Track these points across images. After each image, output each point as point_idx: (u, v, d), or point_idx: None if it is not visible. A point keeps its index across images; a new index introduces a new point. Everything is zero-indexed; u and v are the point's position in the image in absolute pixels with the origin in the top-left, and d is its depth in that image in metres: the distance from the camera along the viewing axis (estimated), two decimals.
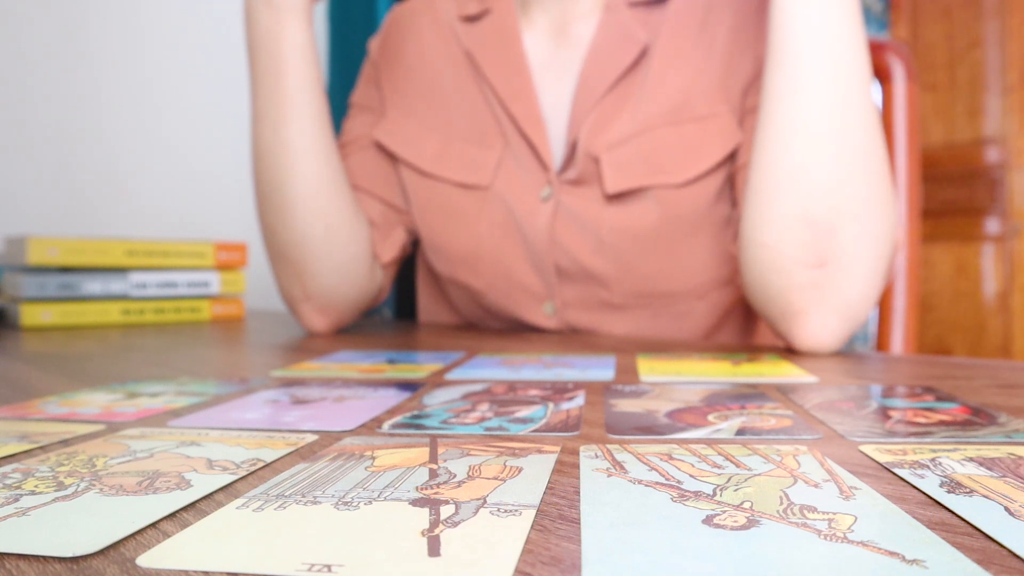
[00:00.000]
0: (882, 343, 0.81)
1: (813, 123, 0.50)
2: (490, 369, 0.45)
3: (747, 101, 0.63)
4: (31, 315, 0.78)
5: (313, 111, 0.64)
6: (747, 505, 0.19)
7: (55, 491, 0.21)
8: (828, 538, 0.17)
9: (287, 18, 0.62)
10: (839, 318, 0.52)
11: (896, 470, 0.23)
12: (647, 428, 0.29)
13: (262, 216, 0.68)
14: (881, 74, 0.82)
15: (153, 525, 0.18)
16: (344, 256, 0.68)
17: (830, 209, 0.50)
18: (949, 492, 0.20)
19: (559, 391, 0.37)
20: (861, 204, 0.51)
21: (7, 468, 0.23)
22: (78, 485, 0.21)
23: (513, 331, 0.71)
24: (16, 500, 0.20)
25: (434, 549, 0.16)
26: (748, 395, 0.36)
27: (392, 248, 0.74)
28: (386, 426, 0.29)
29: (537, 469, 0.23)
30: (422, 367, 0.46)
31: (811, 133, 0.50)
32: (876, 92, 0.83)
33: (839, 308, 0.52)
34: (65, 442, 0.27)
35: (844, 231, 0.51)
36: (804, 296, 0.52)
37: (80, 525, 0.18)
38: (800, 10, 0.51)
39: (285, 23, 0.62)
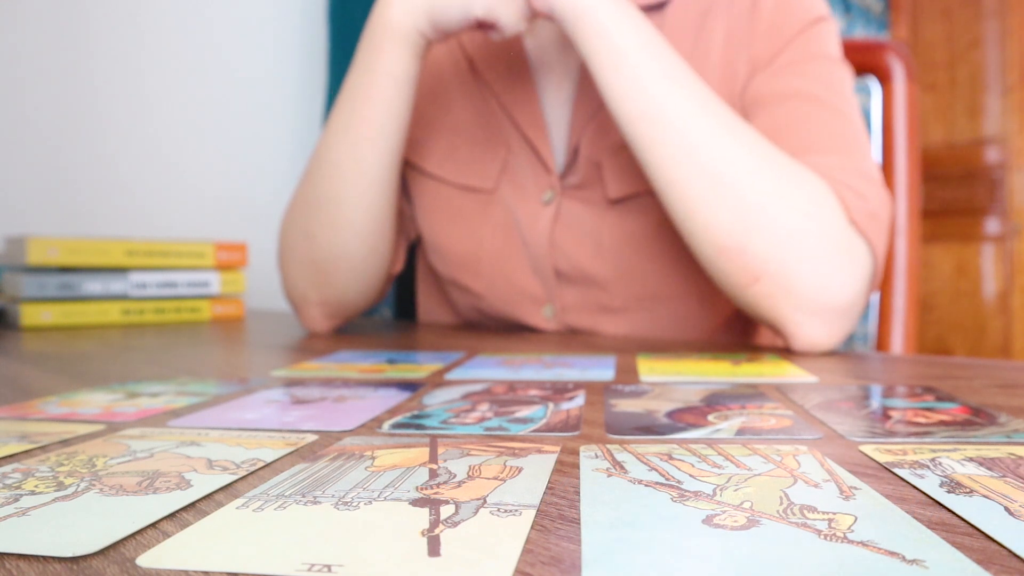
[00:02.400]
0: (882, 343, 0.81)
1: (675, 173, 0.53)
2: (490, 369, 0.45)
3: (744, 99, 0.63)
4: (31, 315, 0.78)
5: (392, 142, 0.62)
6: (747, 505, 0.19)
7: (55, 491, 0.21)
8: (828, 538, 0.17)
9: (393, 45, 0.60)
10: (814, 316, 0.52)
11: (896, 470, 0.23)
12: (647, 428, 0.29)
13: (302, 220, 0.66)
14: (881, 74, 0.82)
15: (153, 525, 0.18)
16: (373, 273, 0.68)
17: (730, 234, 0.52)
18: (949, 492, 0.20)
19: (559, 391, 0.37)
20: (756, 213, 0.51)
21: (7, 468, 0.23)
22: (78, 485, 0.21)
23: (513, 331, 0.71)
24: (16, 500, 0.20)
25: (434, 549, 0.16)
26: (748, 395, 0.36)
27: (401, 259, 0.74)
28: (386, 426, 0.29)
29: (537, 469, 0.23)
30: (422, 367, 0.46)
31: (678, 181, 0.53)
32: (875, 92, 0.83)
33: (807, 307, 0.52)
34: (65, 442, 0.27)
35: (755, 245, 0.51)
36: (765, 307, 0.53)
37: (80, 525, 0.18)
38: (621, 90, 0.54)
39: (390, 49, 0.60)
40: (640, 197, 0.64)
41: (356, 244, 0.65)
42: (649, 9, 0.66)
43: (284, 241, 0.69)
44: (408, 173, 0.74)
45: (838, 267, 0.52)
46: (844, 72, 0.61)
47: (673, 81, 0.53)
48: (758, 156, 0.53)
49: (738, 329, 0.73)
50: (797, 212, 0.51)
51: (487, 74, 0.70)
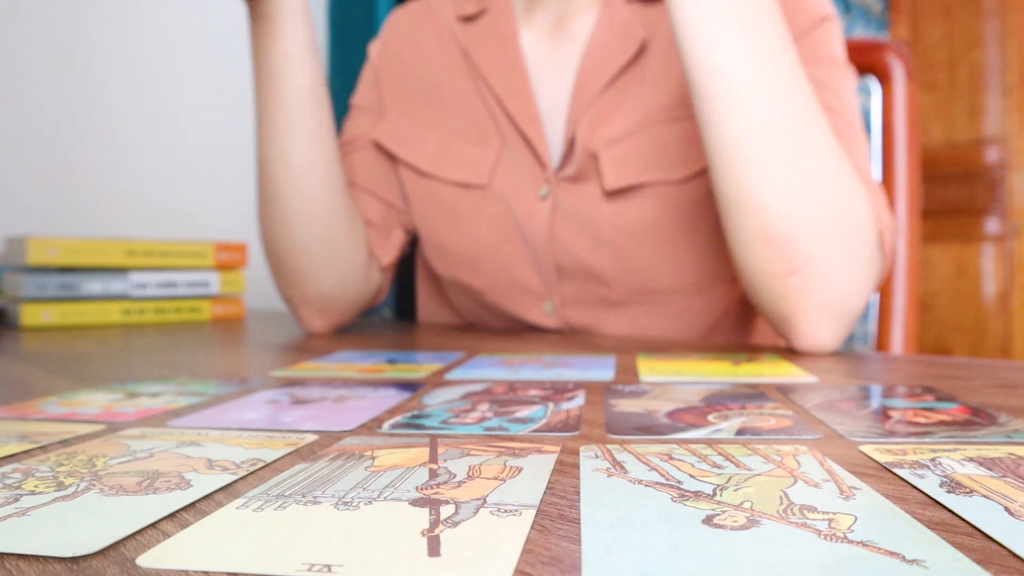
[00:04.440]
0: (882, 343, 0.81)
1: (745, 147, 0.50)
2: (490, 369, 0.45)
3: None
4: (31, 315, 0.78)
5: (310, 122, 0.62)
6: (747, 505, 0.19)
7: (55, 491, 0.21)
8: (828, 538, 0.17)
9: (274, 26, 0.60)
10: (831, 319, 0.52)
11: (896, 470, 0.23)
12: (647, 428, 0.29)
13: (261, 222, 0.67)
14: (881, 74, 0.82)
15: (153, 525, 0.18)
16: (340, 262, 0.68)
17: (784, 221, 0.51)
18: (949, 492, 0.20)
19: (559, 391, 0.37)
20: (817, 207, 0.50)
21: (7, 468, 0.23)
22: (78, 485, 0.21)
23: (513, 331, 0.71)
24: (16, 500, 0.20)
25: (434, 549, 0.16)
26: (748, 395, 0.36)
27: (392, 250, 0.74)
28: (386, 426, 0.29)
29: (537, 469, 0.23)
30: (422, 367, 0.46)
31: (745, 156, 0.50)
32: (875, 92, 0.83)
33: (828, 309, 0.52)
34: (65, 442, 0.27)
35: (805, 238, 0.50)
36: (791, 301, 0.52)
37: (80, 525, 0.18)
38: (701, 40, 0.50)
39: (274, 31, 0.60)
40: (637, 189, 0.64)
41: (305, 234, 0.65)
42: (650, 0, 0.66)
43: (263, 249, 0.70)
44: (403, 173, 0.74)
45: (864, 274, 0.52)
46: (848, 75, 0.61)
47: (760, 63, 0.50)
48: (830, 149, 0.51)
49: (737, 323, 0.73)
50: (849, 215, 0.51)
51: (482, 68, 0.70)
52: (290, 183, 0.63)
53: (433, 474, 0.22)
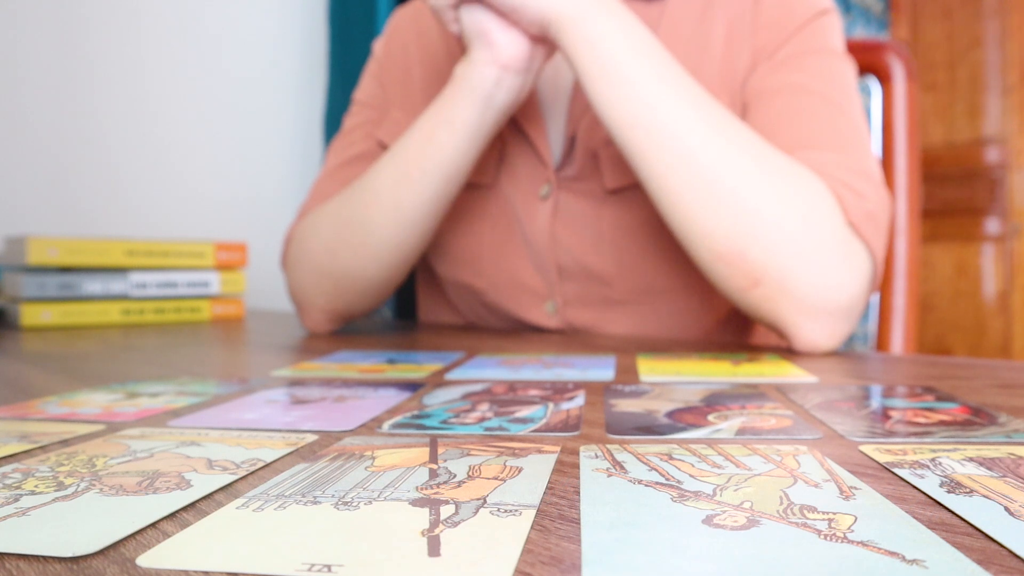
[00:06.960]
0: (882, 343, 0.81)
1: (667, 183, 0.52)
2: (490, 369, 0.45)
3: (744, 92, 0.63)
4: (31, 315, 0.78)
5: (436, 188, 0.61)
6: (747, 505, 0.19)
7: (55, 491, 0.21)
8: (828, 538, 0.17)
9: (454, 91, 0.59)
10: (816, 319, 0.52)
11: (896, 470, 0.23)
12: (647, 428, 0.29)
13: (327, 234, 0.66)
14: (881, 74, 0.82)
15: (153, 525, 0.18)
16: (386, 291, 0.68)
17: (730, 240, 0.51)
18: (949, 492, 0.20)
19: (559, 391, 0.37)
20: (754, 218, 0.50)
21: (7, 468, 0.23)
22: (78, 485, 0.21)
23: (513, 331, 0.71)
24: (16, 500, 0.20)
25: (434, 549, 0.16)
26: (748, 395, 0.36)
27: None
28: (386, 426, 0.29)
29: (537, 469, 0.23)
30: (422, 367, 0.46)
31: (670, 190, 0.52)
32: (875, 92, 0.83)
33: (809, 310, 0.51)
34: (65, 442, 0.27)
35: (754, 248, 0.51)
36: (766, 310, 0.53)
37: (80, 525, 0.18)
38: (605, 94, 0.53)
39: (450, 94, 0.59)
40: (638, 187, 0.64)
41: (375, 270, 0.65)
42: (649, 0, 0.66)
43: (301, 246, 0.68)
44: None
45: (836, 269, 0.51)
46: (846, 67, 0.61)
47: (666, 86, 0.52)
48: (755, 159, 0.52)
49: (739, 324, 0.73)
50: (795, 215, 0.51)
51: None
52: (387, 225, 0.62)
53: (433, 474, 0.22)
